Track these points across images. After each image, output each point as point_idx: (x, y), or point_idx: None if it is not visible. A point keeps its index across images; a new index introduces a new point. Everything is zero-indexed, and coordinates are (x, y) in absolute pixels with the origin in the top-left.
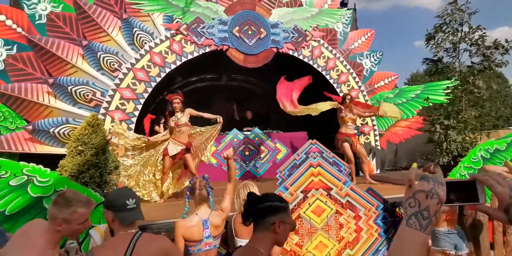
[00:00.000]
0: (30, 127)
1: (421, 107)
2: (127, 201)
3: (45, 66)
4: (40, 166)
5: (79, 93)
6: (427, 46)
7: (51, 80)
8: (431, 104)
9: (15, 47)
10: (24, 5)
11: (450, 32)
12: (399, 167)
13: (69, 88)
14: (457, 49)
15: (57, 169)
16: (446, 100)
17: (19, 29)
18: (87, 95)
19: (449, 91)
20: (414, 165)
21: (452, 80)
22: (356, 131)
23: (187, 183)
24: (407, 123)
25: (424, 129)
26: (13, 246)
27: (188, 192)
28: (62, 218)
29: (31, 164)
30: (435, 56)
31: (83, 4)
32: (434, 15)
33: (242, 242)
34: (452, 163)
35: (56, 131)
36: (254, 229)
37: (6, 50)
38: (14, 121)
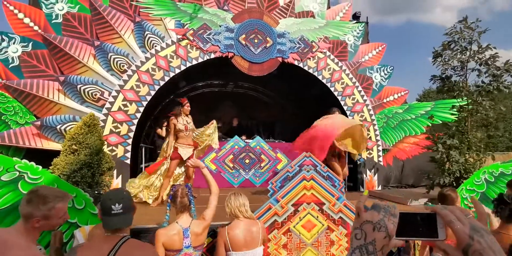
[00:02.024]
0: (39, 122)
1: (430, 124)
2: (112, 206)
3: (57, 64)
4: (32, 163)
5: (88, 92)
6: (434, 64)
7: (62, 78)
8: (439, 122)
9: (30, 44)
10: (42, 5)
11: (458, 50)
12: (405, 185)
13: (79, 86)
14: (465, 68)
15: (50, 167)
16: (454, 118)
17: (36, 27)
18: (95, 95)
19: (455, 110)
20: (366, 192)
21: (460, 100)
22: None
23: (167, 191)
24: (415, 139)
25: (428, 147)
26: None
27: (169, 200)
28: (40, 215)
29: (24, 160)
30: (443, 73)
31: (98, 6)
32: (444, 34)
33: (240, 254)
34: (454, 184)
35: (62, 128)
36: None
37: (22, 47)
38: (24, 116)
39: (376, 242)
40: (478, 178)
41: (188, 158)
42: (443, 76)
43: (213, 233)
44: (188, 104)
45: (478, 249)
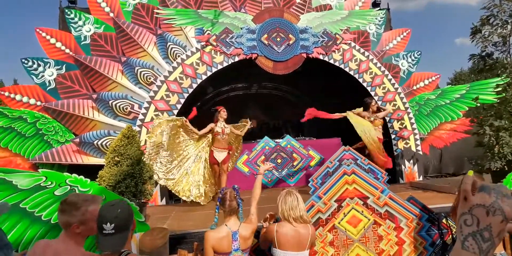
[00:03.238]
0: (78, 140)
1: (467, 108)
2: (103, 225)
3: (89, 83)
4: (82, 176)
5: (119, 106)
6: (473, 41)
7: (94, 96)
8: (479, 105)
9: (64, 66)
10: (71, 28)
11: (499, 25)
12: (445, 174)
13: (110, 102)
14: (508, 42)
15: (96, 180)
16: (497, 100)
17: (67, 50)
18: (126, 108)
19: (500, 89)
20: (470, 172)
21: (503, 77)
22: (382, 137)
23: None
24: (452, 125)
25: (472, 132)
26: None
27: (218, 203)
28: (77, 221)
29: (74, 174)
30: (483, 51)
31: (121, 23)
32: (475, 10)
33: (286, 254)
34: (506, 169)
35: (99, 143)
36: None
37: (57, 69)
38: (64, 134)
39: (493, 228)
40: None
41: (223, 161)
42: (483, 54)
43: (257, 234)
44: (224, 110)
45: None
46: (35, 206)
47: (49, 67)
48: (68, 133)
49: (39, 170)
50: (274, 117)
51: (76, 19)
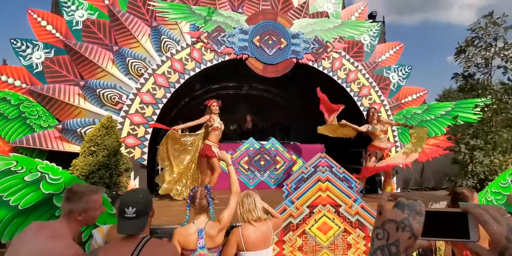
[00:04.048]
0: (60, 126)
1: (450, 125)
2: (126, 209)
3: (78, 69)
4: (53, 164)
5: (107, 96)
6: (457, 60)
7: (82, 83)
8: (461, 122)
9: (53, 50)
10: (64, 12)
11: (483, 47)
12: (425, 188)
13: (98, 90)
14: (490, 65)
15: (69, 168)
16: (477, 119)
17: (57, 34)
18: (114, 98)
19: (479, 109)
20: (388, 189)
21: (486, 99)
22: (388, 145)
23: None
24: (435, 141)
25: (450, 149)
26: (38, 237)
27: (188, 201)
28: (80, 209)
29: (45, 161)
30: (466, 71)
31: (116, 12)
32: (468, 30)
33: (255, 254)
34: (479, 187)
35: (83, 131)
36: None
37: (45, 53)
38: (47, 119)
39: (400, 243)
40: (504, 180)
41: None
42: (466, 74)
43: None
44: (214, 104)
45: None
46: (3, 190)
47: (37, 50)
48: (52, 119)
49: (10, 154)
50: (263, 119)
51: (69, 3)
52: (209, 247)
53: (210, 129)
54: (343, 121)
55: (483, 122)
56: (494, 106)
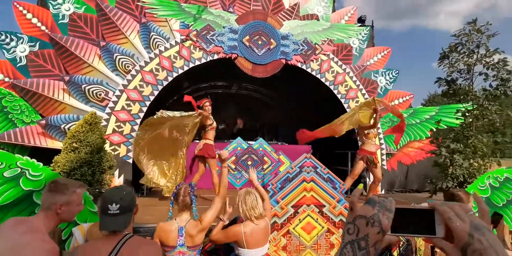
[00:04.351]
0: (44, 121)
1: (435, 129)
2: (109, 205)
3: (63, 64)
4: (34, 160)
5: (92, 92)
6: (440, 65)
7: (67, 78)
8: (445, 127)
9: (37, 44)
10: (50, 5)
11: (466, 53)
12: (410, 190)
13: (83, 86)
14: (472, 71)
15: (50, 165)
16: (459, 123)
17: (43, 27)
18: (100, 94)
19: (460, 114)
20: (360, 186)
21: (468, 104)
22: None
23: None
24: (420, 144)
25: (432, 152)
26: (14, 232)
27: (172, 198)
28: (64, 201)
29: (25, 157)
30: (449, 76)
31: (104, 6)
32: (452, 36)
33: (256, 252)
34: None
35: (67, 127)
36: None
37: (30, 46)
38: (30, 114)
39: (369, 238)
40: (482, 183)
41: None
42: (449, 79)
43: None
44: (207, 103)
45: (478, 248)
46: None
47: (21, 43)
48: (35, 114)
49: None
50: (252, 119)
51: None
52: (188, 245)
53: (209, 128)
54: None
55: (464, 127)
56: (475, 112)
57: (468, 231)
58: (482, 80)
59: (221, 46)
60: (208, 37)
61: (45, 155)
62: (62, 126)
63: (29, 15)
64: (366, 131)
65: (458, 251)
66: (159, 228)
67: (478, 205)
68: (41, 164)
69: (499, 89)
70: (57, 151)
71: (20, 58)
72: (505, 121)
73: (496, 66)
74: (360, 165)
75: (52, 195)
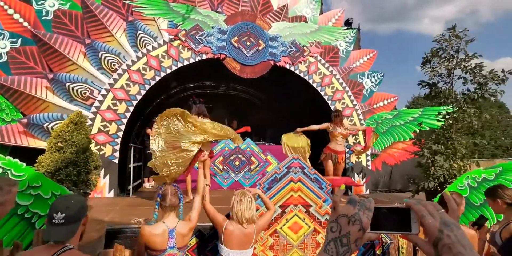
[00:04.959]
0: (25, 120)
1: (418, 131)
2: (54, 214)
3: (46, 61)
4: (17, 160)
5: (77, 90)
6: (423, 69)
7: (50, 76)
8: (427, 128)
9: (19, 40)
10: (33, 1)
11: (446, 58)
12: (393, 190)
13: (67, 84)
14: (451, 75)
15: (34, 165)
16: (439, 126)
17: (25, 24)
18: (84, 93)
19: (441, 116)
20: (342, 186)
21: (448, 107)
22: (346, 149)
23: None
24: (404, 145)
25: (415, 153)
26: None
27: (158, 199)
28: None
29: (8, 157)
30: (431, 79)
31: (90, 3)
32: (433, 41)
33: (231, 252)
34: (439, 189)
35: (50, 126)
36: None
37: (11, 43)
38: (10, 113)
39: (351, 235)
40: (461, 183)
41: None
42: (431, 82)
43: (199, 234)
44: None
45: (448, 243)
46: None
47: (2, 39)
48: (16, 112)
49: None
50: (240, 119)
51: None
52: (179, 246)
53: None
54: (297, 129)
55: (445, 129)
56: (455, 114)
57: (438, 227)
58: (461, 83)
59: (209, 47)
60: (197, 37)
61: (26, 155)
62: (45, 125)
63: (10, 11)
64: (330, 130)
65: (430, 246)
66: (145, 232)
67: (447, 203)
68: (24, 164)
69: (477, 93)
70: (39, 151)
71: (1, 54)
72: (483, 123)
73: (473, 70)
74: (328, 163)
75: None
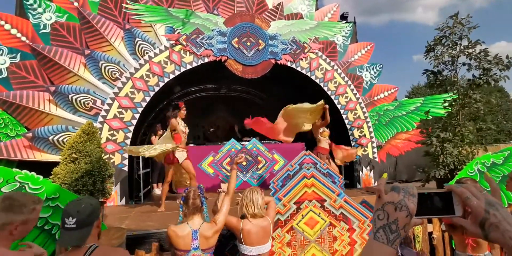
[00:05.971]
0: (30, 134)
1: (420, 120)
2: (66, 219)
3: (47, 74)
4: (33, 173)
5: (80, 101)
6: (426, 58)
7: (52, 88)
8: (431, 117)
9: (18, 55)
10: (30, 15)
11: (449, 46)
12: (399, 180)
13: (70, 96)
14: (456, 62)
15: (50, 177)
16: (445, 113)
17: (23, 38)
18: (88, 104)
19: (447, 104)
20: (384, 175)
21: (452, 94)
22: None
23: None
24: (407, 135)
25: (422, 142)
26: None
27: (181, 202)
28: (21, 220)
29: (24, 171)
30: (435, 67)
31: (87, 14)
32: (431, 29)
33: (252, 249)
34: (449, 176)
35: (55, 138)
36: None
37: (10, 58)
38: (14, 128)
39: (399, 221)
40: (471, 169)
41: (185, 163)
42: (436, 70)
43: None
44: (185, 108)
45: (494, 222)
46: None
47: (1, 55)
48: (20, 127)
49: None
50: (242, 120)
51: (35, 6)
52: (203, 248)
53: (174, 133)
54: (327, 106)
55: (451, 116)
56: (461, 101)
57: (484, 208)
58: (466, 70)
59: (211, 49)
60: (197, 40)
61: (32, 169)
62: (50, 137)
63: (7, 26)
64: (321, 130)
65: (477, 226)
66: (171, 233)
67: (489, 184)
68: (41, 177)
69: (482, 78)
70: (46, 164)
71: (1, 70)
72: (491, 108)
73: (478, 56)
74: (332, 164)
75: (7, 214)
